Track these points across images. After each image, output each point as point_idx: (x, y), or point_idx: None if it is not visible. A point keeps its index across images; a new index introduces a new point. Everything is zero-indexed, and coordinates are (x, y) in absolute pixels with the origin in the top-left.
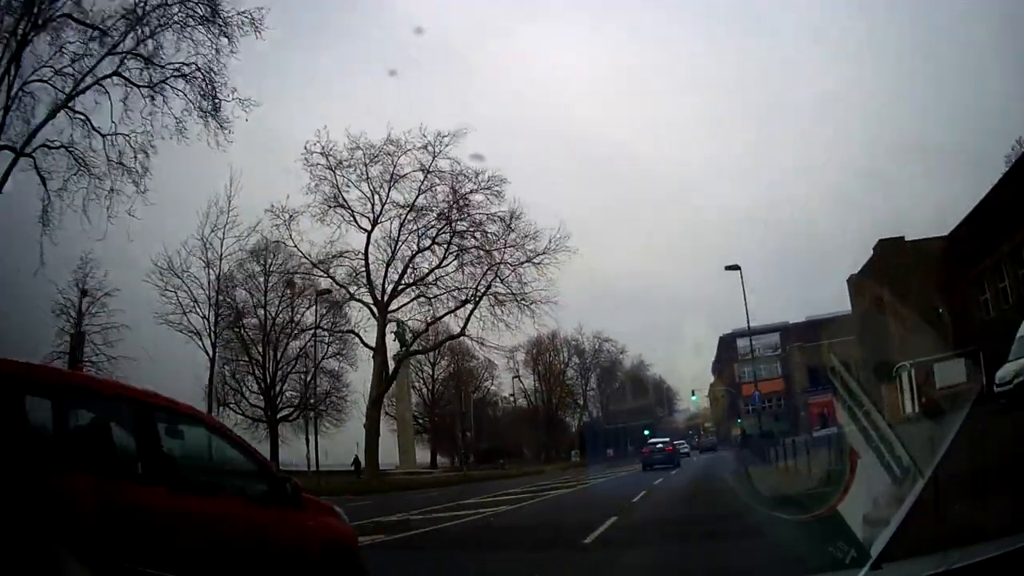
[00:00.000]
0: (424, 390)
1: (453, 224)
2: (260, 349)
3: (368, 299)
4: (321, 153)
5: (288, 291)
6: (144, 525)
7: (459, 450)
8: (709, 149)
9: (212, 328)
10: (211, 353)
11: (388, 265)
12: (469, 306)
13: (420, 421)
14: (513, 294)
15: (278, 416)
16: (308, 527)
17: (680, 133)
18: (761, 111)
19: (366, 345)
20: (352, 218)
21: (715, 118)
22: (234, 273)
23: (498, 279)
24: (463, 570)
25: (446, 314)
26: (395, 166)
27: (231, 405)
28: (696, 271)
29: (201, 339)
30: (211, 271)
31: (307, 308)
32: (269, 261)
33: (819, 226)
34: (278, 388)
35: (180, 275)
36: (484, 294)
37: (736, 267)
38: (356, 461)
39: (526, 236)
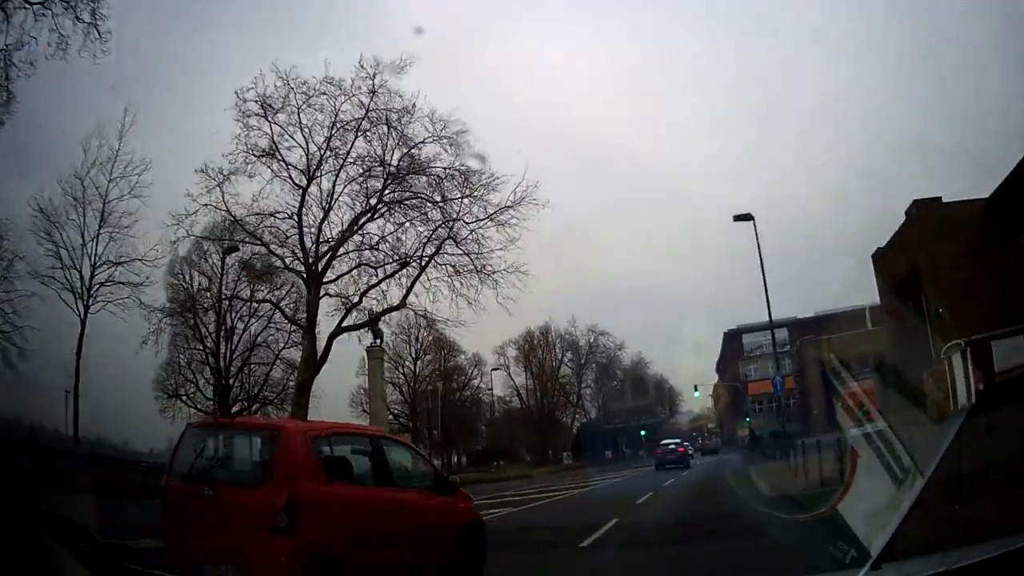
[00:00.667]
0: (406, 387)
1: (399, 172)
2: (213, 335)
3: (301, 267)
4: (257, 101)
5: (230, 261)
6: (368, 508)
7: (429, 448)
8: (709, 149)
9: (86, 287)
10: (82, 316)
11: (321, 225)
12: (415, 272)
13: (401, 420)
14: (469, 255)
15: (231, 411)
16: (459, 507)
17: (680, 132)
18: (761, 111)
19: (290, 320)
20: (287, 173)
21: (715, 117)
22: (190, 255)
23: (451, 239)
24: None
25: (382, 280)
26: (337, 111)
27: (183, 397)
28: (696, 271)
29: (76, 300)
30: (84, 215)
31: (250, 283)
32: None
33: (819, 226)
34: (232, 379)
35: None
36: (433, 255)
37: (748, 216)
38: None
39: (485, 187)
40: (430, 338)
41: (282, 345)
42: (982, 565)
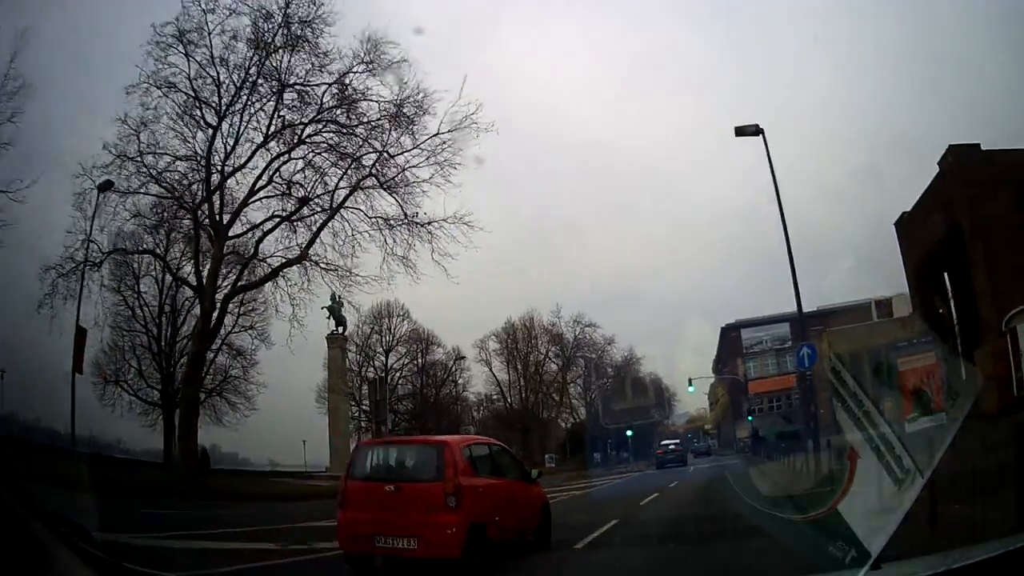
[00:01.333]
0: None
1: (321, 107)
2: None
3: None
4: (175, 37)
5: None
6: (496, 492)
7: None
8: (705, 146)
9: None
10: None
11: (225, 164)
12: (331, 218)
13: (371, 416)
14: (387, 186)
15: (178, 400)
16: (537, 491)
17: (676, 130)
18: (759, 110)
19: (176, 278)
20: (199, 111)
21: (714, 117)
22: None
23: (374, 178)
24: None
25: (279, 223)
26: (259, 36)
27: (123, 383)
28: (692, 269)
29: None
30: None
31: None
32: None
33: (816, 225)
34: (175, 366)
35: None
36: (348, 196)
37: (755, 129)
38: (203, 452)
39: (416, 111)
40: (405, 329)
41: (229, 328)
42: (982, 565)
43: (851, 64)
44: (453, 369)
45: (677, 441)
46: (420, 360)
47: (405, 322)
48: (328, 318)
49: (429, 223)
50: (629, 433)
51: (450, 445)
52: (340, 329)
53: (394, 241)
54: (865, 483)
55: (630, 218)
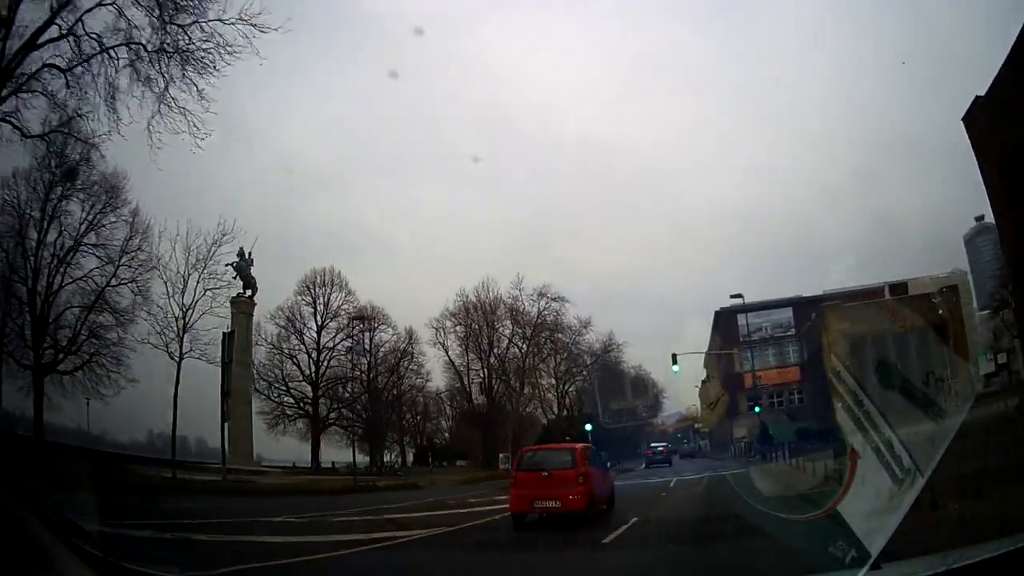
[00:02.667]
0: (311, 364)
1: None
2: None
3: None
4: None
5: None
6: (596, 476)
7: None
8: (703, 146)
9: None
10: None
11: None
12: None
13: (303, 406)
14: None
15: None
16: (610, 476)
17: (674, 130)
18: (758, 110)
19: None
20: None
21: (712, 117)
22: None
23: None
24: None
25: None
26: None
27: None
28: (694, 270)
29: None
30: None
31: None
32: None
33: (814, 225)
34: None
35: None
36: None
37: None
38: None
39: None
40: (342, 302)
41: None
42: (982, 565)
43: (851, 64)
44: (406, 352)
45: (666, 444)
46: (366, 340)
47: (343, 294)
48: (235, 277)
49: (193, 23)
50: (588, 427)
51: (578, 449)
52: (248, 292)
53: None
54: (865, 483)
55: (629, 218)
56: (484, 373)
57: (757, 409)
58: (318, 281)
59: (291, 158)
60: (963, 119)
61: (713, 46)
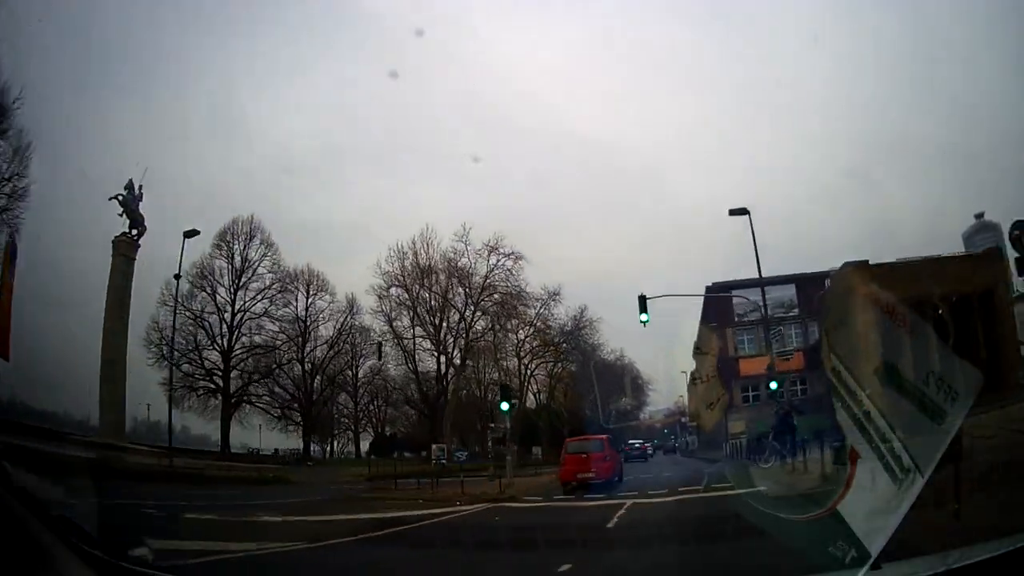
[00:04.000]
0: (223, 329)
1: None
2: None
3: None
4: None
5: None
6: (614, 455)
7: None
8: (701, 145)
9: None
10: None
11: None
12: None
13: (213, 379)
14: None
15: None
16: (619, 457)
17: (673, 130)
18: (758, 110)
19: None
20: None
21: (711, 116)
22: None
23: None
24: None
25: None
26: None
27: None
28: (693, 270)
29: None
30: None
31: None
32: None
33: (814, 225)
34: None
35: None
36: None
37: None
38: None
39: None
40: (261, 257)
41: None
42: (982, 565)
43: (851, 64)
44: (346, 325)
45: (642, 440)
46: (298, 306)
47: (265, 249)
48: (121, 214)
49: None
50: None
51: (604, 439)
52: (133, 232)
53: None
54: (865, 483)
55: (628, 217)
56: (437, 349)
57: (774, 386)
58: (237, 231)
59: (291, 158)
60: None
61: (713, 46)
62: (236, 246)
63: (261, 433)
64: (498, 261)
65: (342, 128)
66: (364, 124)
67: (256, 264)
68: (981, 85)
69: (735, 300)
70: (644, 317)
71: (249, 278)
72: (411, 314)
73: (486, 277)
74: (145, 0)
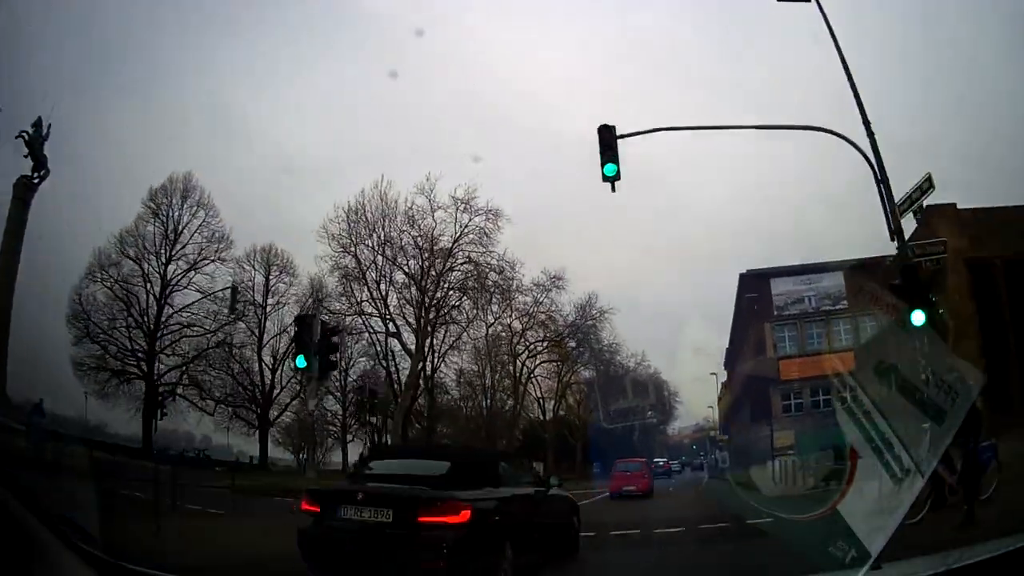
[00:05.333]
0: (150, 304)
1: None
2: None
3: None
4: None
5: None
6: (649, 472)
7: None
8: (706, 148)
9: None
10: None
11: None
12: None
13: (137, 362)
14: None
15: None
16: (651, 474)
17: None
18: (760, 112)
19: None
20: None
21: (712, 117)
22: None
23: None
24: None
25: None
26: None
27: None
28: (693, 276)
29: None
30: None
31: None
32: None
33: (816, 235)
34: None
35: None
36: None
37: None
38: None
39: None
40: (191, 218)
41: None
42: (982, 565)
43: (855, 65)
44: (308, 308)
45: (667, 459)
46: (254, 286)
47: (201, 212)
48: (26, 156)
49: None
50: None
51: (643, 462)
52: (36, 174)
53: None
54: (865, 483)
55: (630, 220)
56: (386, 332)
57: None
58: (171, 190)
59: (291, 157)
60: None
61: (715, 46)
62: (169, 209)
63: (233, 437)
64: (470, 220)
65: (342, 128)
66: (364, 124)
67: (190, 231)
68: (988, 84)
69: (774, 292)
70: (610, 169)
71: (184, 246)
72: (362, 287)
73: (456, 240)
74: (145, 0)
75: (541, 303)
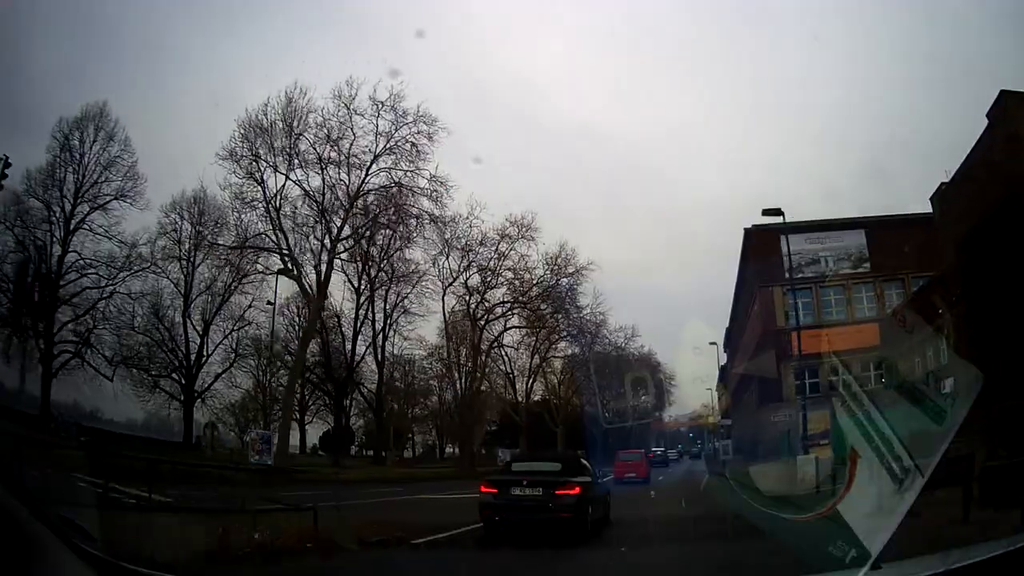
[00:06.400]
0: (53, 246)
1: None
2: None
3: None
4: None
5: None
6: (648, 465)
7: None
8: (706, 142)
9: None
10: None
11: None
12: None
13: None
14: None
15: None
16: (648, 462)
17: (679, 125)
18: (761, 105)
19: None
20: None
21: (716, 112)
22: None
23: None
24: None
25: None
26: None
27: None
28: (694, 271)
29: None
30: None
31: None
32: None
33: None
34: None
35: None
36: None
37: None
38: None
39: None
40: (103, 152)
41: None
42: (982, 565)
43: (857, 60)
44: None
45: (664, 448)
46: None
47: (111, 145)
48: None
49: None
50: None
51: (642, 452)
52: None
53: None
54: (865, 483)
55: (632, 213)
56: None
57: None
58: (84, 122)
59: None
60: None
61: (718, 40)
62: (79, 142)
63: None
64: (395, 124)
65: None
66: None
67: (100, 168)
68: (990, 80)
69: (785, 252)
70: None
71: (91, 186)
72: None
73: (379, 154)
74: None
75: (506, 256)
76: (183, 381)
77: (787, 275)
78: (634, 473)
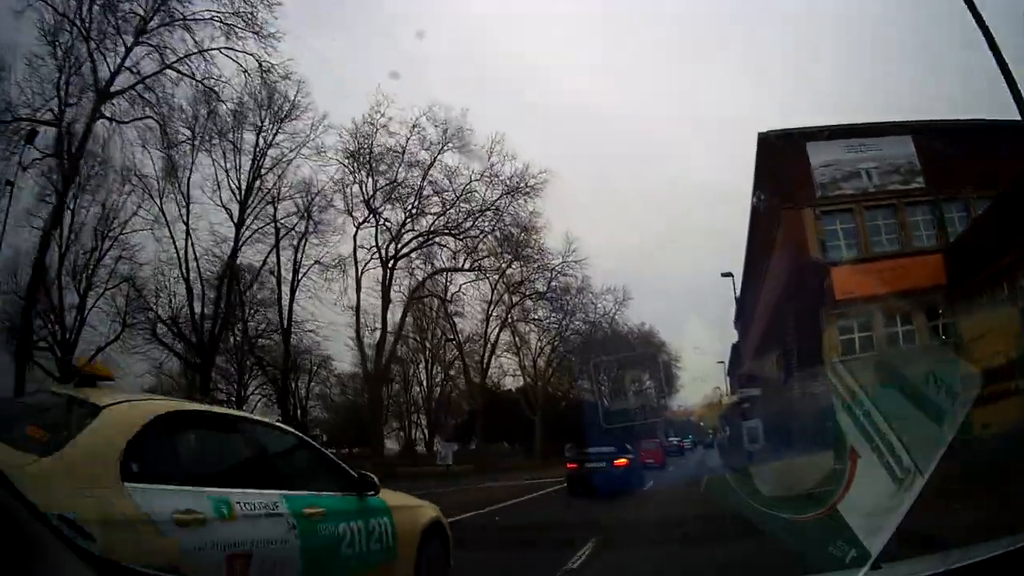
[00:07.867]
0: None
1: None
2: None
3: None
4: None
5: None
6: (663, 449)
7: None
8: (708, 133)
9: None
10: None
11: None
12: None
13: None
14: None
15: None
16: (664, 450)
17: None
18: (765, 86)
19: None
20: None
21: (717, 116)
22: None
23: None
24: None
25: None
26: None
27: None
28: (696, 268)
29: None
30: None
31: None
32: None
33: None
34: None
35: None
36: None
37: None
38: None
39: None
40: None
41: None
42: (982, 565)
43: (865, 40)
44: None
45: (679, 438)
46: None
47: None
48: None
49: None
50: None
51: (658, 441)
52: None
53: None
54: (865, 483)
55: (633, 201)
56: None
57: None
58: None
59: None
60: None
61: (718, 16)
62: None
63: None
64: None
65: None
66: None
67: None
68: (990, 69)
69: (814, 164)
70: None
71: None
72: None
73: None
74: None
75: (429, 172)
76: (58, 355)
77: (817, 192)
78: (652, 459)
